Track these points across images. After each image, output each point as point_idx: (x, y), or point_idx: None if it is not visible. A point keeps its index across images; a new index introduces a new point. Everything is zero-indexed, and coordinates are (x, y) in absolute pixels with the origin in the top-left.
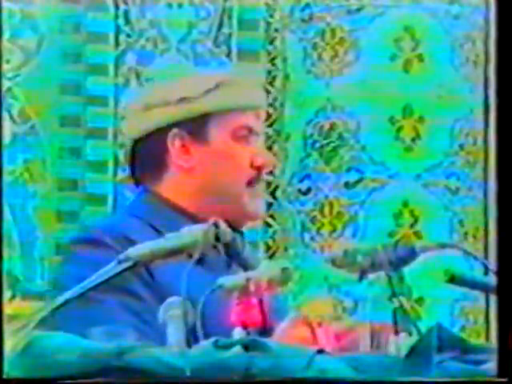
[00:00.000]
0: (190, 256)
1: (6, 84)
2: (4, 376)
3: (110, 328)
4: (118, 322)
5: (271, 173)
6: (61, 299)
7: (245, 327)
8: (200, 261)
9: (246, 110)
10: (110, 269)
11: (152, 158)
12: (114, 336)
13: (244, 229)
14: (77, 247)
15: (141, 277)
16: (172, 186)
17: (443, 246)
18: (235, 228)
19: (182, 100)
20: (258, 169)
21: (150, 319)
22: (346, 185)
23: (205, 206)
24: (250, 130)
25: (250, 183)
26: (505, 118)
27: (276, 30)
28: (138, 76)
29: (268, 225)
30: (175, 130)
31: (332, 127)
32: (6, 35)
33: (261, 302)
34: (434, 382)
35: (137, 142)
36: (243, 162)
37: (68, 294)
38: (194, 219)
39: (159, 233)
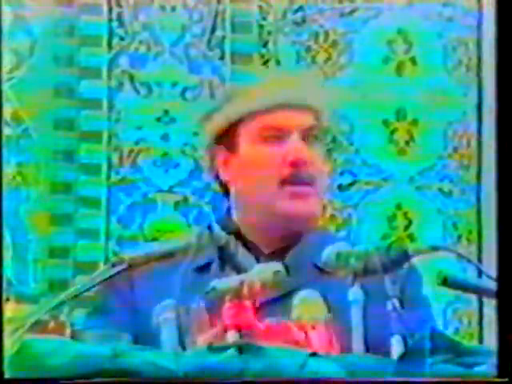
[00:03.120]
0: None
1: None
2: (5, 376)
3: (105, 331)
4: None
5: None
6: (54, 302)
7: (238, 330)
8: (193, 264)
9: (270, 110)
10: (104, 271)
11: (216, 177)
12: (109, 339)
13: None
14: None
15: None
16: (231, 203)
17: (436, 248)
18: (282, 234)
19: (211, 112)
20: (293, 165)
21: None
22: (340, 187)
23: (247, 217)
24: (279, 129)
25: (284, 183)
26: (504, 120)
27: (269, 33)
28: (131, 79)
29: None
30: (217, 146)
31: (325, 130)
32: None
33: (254, 304)
34: (428, 383)
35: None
36: (273, 163)
37: (61, 297)
38: (247, 245)
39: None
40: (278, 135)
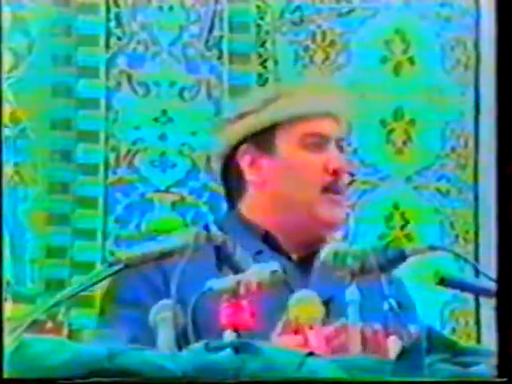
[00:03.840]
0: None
1: None
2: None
3: (101, 330)
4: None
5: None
6: (51, 302)
7: (235, 330)
8: (190, 263)
9: (314, 116)
10: (101, 271)
11: (232, 176)
12: (105, 338)
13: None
14: None
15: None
16: (248, 203)
17: (434, 248)
18: (312, 239)
19: (244, 115)
20: (334, 174)
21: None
22: None
23: (279, 219)
24: (321, 137)
25: (325, 190)
26: (503, 119)
27: (267, 33)
28: (129, 79)
29: None
30: (244, 146)
31: None
32: None
33: (251, 304)
34: (426, 383)
35: (221, 164)
36: (315, 169)
37: (58, 297)
38: (271, 245)
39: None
40: (319, 142)
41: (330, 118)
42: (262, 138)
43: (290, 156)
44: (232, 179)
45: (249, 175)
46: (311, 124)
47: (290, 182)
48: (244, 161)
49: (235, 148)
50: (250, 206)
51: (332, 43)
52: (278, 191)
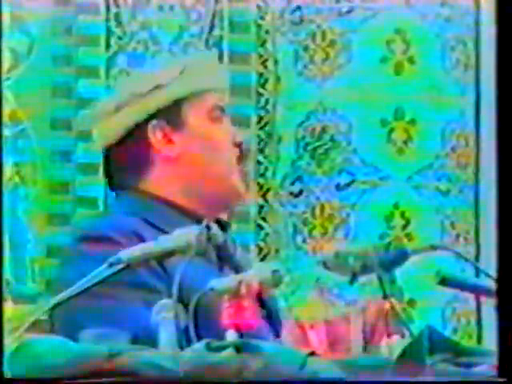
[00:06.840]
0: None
1: None
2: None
3: (101, 331)
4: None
5: (262, 175)
6: (50, 303)
7: (237, 329)
8: (192, 263)
9: (214, 90)
10: (101, 271)
11: (133, 156)
12: (105, 338)
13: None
14: (84, 245)
15: (154, 271)
16: (159, 179)
17: (434, 247)
18: (224, 209)
19: (153, 90)
20: (240, 146)
21: None
22: (338, 187)
23: (195, 193)
24: (222, 110)
25: (237, 161)
26: (504, 119)
27: (267, 33)
28: None
29: (260, 227)
30: (154, 122)
31: (324, 129)
32: None
33: (252, 304)
34: (427, 383)
35: (112, 146)
36: (226, 142)
37: (57, 298)
38: (185, 212)
39: (158, 229)
40: (221, 116)
41: (222, 91)
42: (172, 113)
43: (202, 129)
44: (131, 159)
45: (162, 150)
46: (215, 97)
47: (203, 155)
48: (155, 136)
49: (139, 126)
50: (159, 182)
51: (332, 43)
52: (195, 164)
